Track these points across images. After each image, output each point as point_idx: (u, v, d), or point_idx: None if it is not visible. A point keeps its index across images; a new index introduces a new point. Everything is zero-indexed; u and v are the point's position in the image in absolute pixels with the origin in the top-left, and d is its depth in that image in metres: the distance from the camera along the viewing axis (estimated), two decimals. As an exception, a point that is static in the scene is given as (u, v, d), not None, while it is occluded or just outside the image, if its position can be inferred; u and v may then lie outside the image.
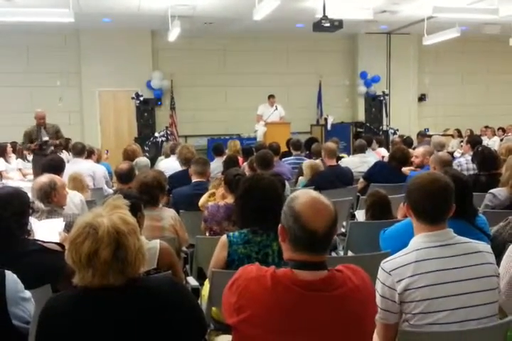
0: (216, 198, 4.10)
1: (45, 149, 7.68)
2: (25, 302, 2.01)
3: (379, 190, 4.04)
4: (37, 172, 7.57)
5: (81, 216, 1.75)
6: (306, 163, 5.92)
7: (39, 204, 3.41)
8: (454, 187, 2.18)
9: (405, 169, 5.68)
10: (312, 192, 1.82)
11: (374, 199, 3.94)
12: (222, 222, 3.73)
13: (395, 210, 4.00)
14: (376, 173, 5.63)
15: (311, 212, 1.71)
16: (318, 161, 6.01)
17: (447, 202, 2.14)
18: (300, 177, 6.00)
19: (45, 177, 3.57)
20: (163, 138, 11.51)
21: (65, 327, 1.63)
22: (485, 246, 2.17)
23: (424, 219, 2.14)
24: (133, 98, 11.75)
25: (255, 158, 5.35)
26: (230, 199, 3.78)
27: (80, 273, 1.64)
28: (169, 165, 6.37)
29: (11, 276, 1.98)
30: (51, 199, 3.47)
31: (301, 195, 1.78)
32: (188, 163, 5.51)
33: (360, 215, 4.24)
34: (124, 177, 4.63)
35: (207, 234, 3.83)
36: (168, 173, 5.33)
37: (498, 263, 2.30)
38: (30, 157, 8.55)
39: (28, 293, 2.04)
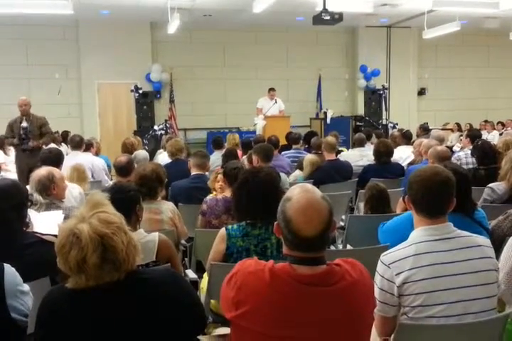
0: (215, 191, 4.09)
1: (26, 142, 7.12)
2: (24, 295, 2.01)
3: (378, 183, 4.04)
4: (20, 170, 7.17)
5: (65, 222, 1.71)
6: (308, 158, 5.82)
7: (38, 197, 3.40)
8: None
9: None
10: (308, 192, 1.73)
11: (373, 192, 3.94)
12: (221, 215, 3.73)
13: (393, 204, 4.01)
14: (369, 178, 5.38)
15: (301, 220, 1.67)
16: (318, 158, 5.93)
17: (448, 196, 2.14)
18: (297, 172, 5.95)
19: (44, 170, 3.56)
20: (163, 131, 11.48)
21: (65, 319, 1.64)
22: (484, 240, 2.17)
23: (424, 213, 2.14)
24: (132, 91, 11.71)
25: (258, 151, 5.22)
26: (228, 193, 3.78)
27: (73, 278, 1.64)
28: (168, 159, 6.36)
29: (9, 269, 1.98)
30: (50, 191, 3.46)
31: (295, 197, 1.71)
32: (176, 155, 5.54)
33: (362, 207, 4.23)
34: (124, 170, 4.61)
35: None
36: (166, 166, 5.32)
37: (498, 257, 2.30)
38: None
39: (26, 287, 2.05)
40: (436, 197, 2.12)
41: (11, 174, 7.53)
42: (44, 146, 7.05)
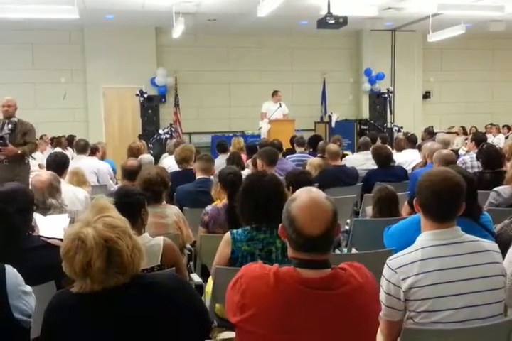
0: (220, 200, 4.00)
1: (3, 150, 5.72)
2: (26, 295, 2.02)
3: (387, 186, 4.00)
4: None
5: (70, 226, 1.72)
6: (314, 161, 5.81)
7: (52, 201, 3.37)
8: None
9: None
10: (313, 193, 1.76)
11: (382, 195, 3.91)
12: (224, 224, 3.61)
13: (399, 208, 3.99)
14: (373, 182, 5.37)
15: (305, 218, 1.68)
16: (324, 161, 5.91)
17: (457, 201, 2.11)
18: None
19: (47, 174, 3.55)
20: (167, 135, 11.50)
21: (70, 323, 1.64)
22: (492, 245, 2.15)
23: (432, 217, 2.11)
24: (137, 95, 11.75)
25: (263, 155, 5.19)
26: (226, 199, 3.68)
27: (78, 283, 1.65)
28: (173, 163, 6.37)
29: (11, 270, 1.99)
30: (59, 193, 3.46)
31: (300, 197, 1.74)
32: (184, 163, 5.50)
33: (370, 211, 4.20)
34: (134, 174, 4.50)
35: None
36: (171, 170, 5.32)
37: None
38: (34, 154, 7.82)
39: (28, 287, 2.05)
40: (446, 202, 2.09)
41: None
42: (26, 157, 6.00)
